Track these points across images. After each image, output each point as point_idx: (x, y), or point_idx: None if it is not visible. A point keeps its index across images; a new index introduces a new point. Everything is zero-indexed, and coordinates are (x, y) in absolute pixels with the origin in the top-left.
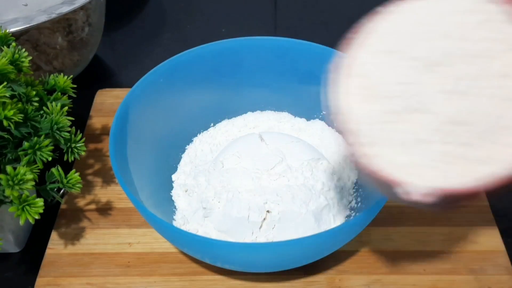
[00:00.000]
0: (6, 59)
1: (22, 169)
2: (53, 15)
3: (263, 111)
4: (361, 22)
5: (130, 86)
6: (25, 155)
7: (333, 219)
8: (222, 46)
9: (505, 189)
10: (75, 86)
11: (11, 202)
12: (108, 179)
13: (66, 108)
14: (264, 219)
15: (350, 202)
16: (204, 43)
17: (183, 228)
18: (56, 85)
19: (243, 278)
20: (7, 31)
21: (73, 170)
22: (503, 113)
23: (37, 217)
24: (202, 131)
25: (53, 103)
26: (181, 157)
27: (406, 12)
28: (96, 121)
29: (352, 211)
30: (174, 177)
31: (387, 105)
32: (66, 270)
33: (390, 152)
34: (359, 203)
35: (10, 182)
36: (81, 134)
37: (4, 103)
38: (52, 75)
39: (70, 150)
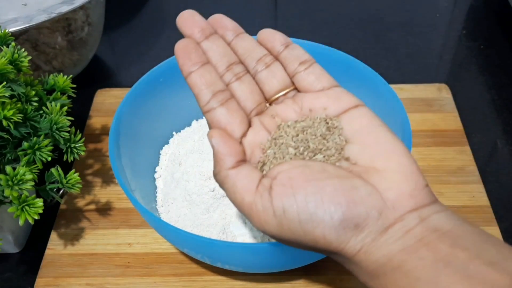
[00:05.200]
0: (6, 59)
1: (21, 169)
2: (53, 15)
3: None
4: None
5: (130, 86)
6: (25, 155)
7: None
8: None
9: None
10: (75, 86)
11: (10, 202)
12: (107, 179)
13: (65, 108)
14: None
15: None
16: None
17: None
18: (56, 85)
19: (243, 278)
20: (7, 30)
21: (73, 170)
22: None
23: (36, 217)
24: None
25: (53, 103)
26: None
27: None
28: (95, 121)
29: None
30: None
31: None
32: (65, 271)
33: None
34: None
35: (10, 182)
36: (80, 134)
37: (3, 103)
38: (51, 74)
39: (69, 150)
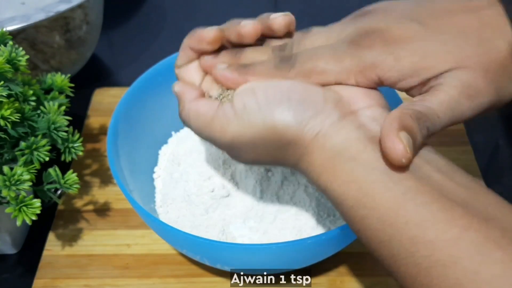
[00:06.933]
0: (3, 58)
1: (19, 169)
2: (51, 14)
3: None
4: None
5: (128, 85)
6: (22, 155)
7: (334, 221)
8: None
9: None
10: (73, 85)
11: (8, 202)
12: (106, 180)
13: (63, 107)
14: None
15: None
16: None
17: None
18: (54, 84)
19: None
20: (4, 29)
21: (71, 171)
22: None
23: (34, 218)
24: None
25: (50, 103)
26: None
27: None
28: (94, 120)
29: None
30: None
31: None
32: (63, 272)
33: None
34: None
35: (7, 183)
36: (78, 134)
37: (1, 102)
38: (49, 74)
39: (67, 150)
